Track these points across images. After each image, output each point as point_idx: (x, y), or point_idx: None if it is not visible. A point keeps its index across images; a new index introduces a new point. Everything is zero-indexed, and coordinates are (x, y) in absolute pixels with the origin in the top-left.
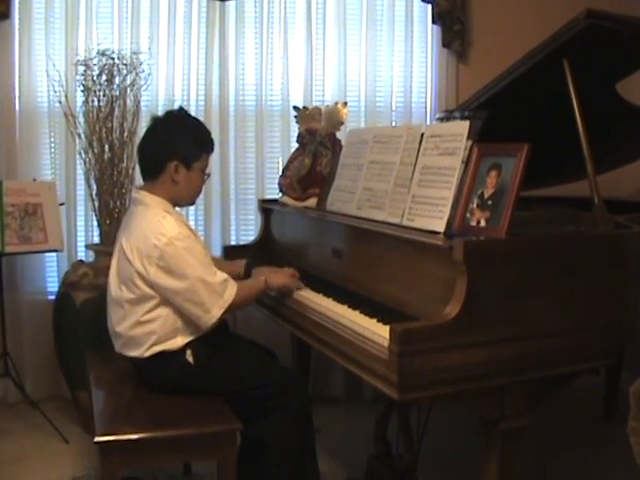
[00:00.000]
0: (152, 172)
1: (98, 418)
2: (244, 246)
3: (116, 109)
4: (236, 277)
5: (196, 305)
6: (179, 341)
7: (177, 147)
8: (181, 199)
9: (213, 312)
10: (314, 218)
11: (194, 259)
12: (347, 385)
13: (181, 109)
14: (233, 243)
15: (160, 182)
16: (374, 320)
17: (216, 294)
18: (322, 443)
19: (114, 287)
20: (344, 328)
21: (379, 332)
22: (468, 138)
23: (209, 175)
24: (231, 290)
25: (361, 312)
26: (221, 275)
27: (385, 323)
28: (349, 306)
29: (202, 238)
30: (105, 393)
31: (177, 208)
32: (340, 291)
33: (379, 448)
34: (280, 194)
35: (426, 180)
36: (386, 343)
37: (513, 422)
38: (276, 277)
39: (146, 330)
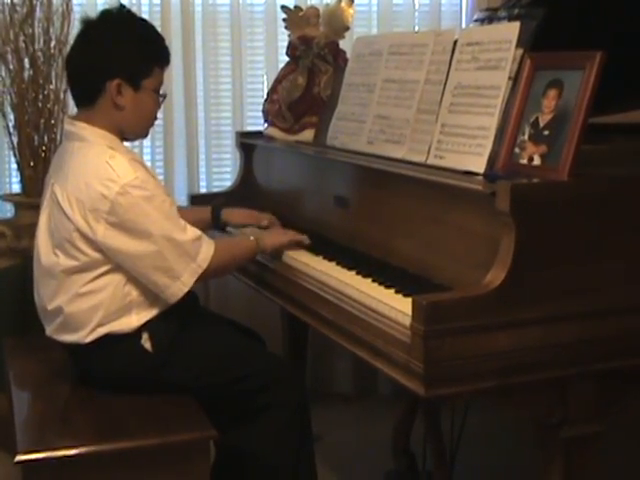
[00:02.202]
0: (87, 95)
1: (21, 429)
2: (217, 195)
3: (38, 9)
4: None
5: (161, 272)
6: (133, 320)
7: (118, 59)
8: (129, 130)
9: (183, 279)
10: (310, 156)
11: (157, 211)
12: (356, 378)
13: (122, 7)
14: (203, 191)
15: (99, 108)
16: (391, 291)
17: (187, 256)
18: (323, 455)
19: (45, 252)
20: (352, 302)
21: (398, 306)
22: (518, 46)
23: (165, 97)
24: (207, 250)
25: (374, 280)
26: (193, 231)
27: (406, 295)
28: (358, 273)
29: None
30: (31, 394)
31: (126, 143)
32: (346, 253)
33: (399, 462)
34: (265, 125)
35: (460, 104)
36: (408, 321)
37: (580, 428)
38: (269, 237)
39: (89, 304)
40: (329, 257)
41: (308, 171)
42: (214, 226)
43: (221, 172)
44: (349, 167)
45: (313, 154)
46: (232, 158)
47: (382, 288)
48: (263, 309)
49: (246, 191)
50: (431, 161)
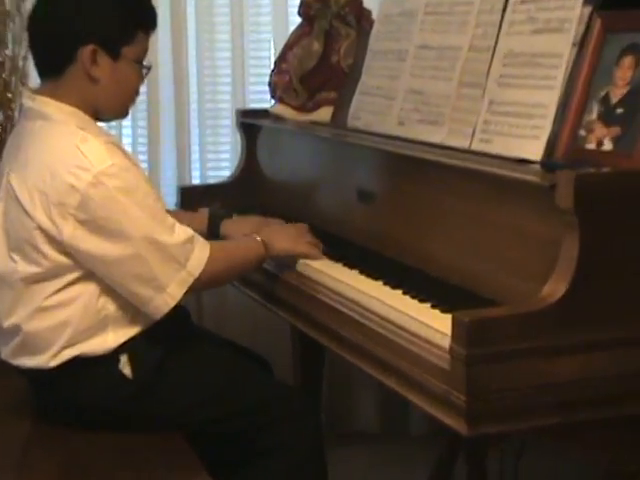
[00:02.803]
0: (54, 64)
1: None
2: (213, 187)
3: None
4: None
5: (143, 281)
6: (109, 340)
7: (94, 21)
8: (105, 107)
9: (170, 290)
10: (328, 140)
11: (138, 207)
12: (383, 413)
13: None
14: (195, 183)
15: (68, 80)
16: (427, 305)
17: (175, 262)
18: None
19: None
20: (378, 319)
21: (435, 325)
22: (585, 3)
23: (149, 68)
24: (200, 255)
25: (406, 293)
26: (183, 231)
27: (445, 310)
28: (386, 283)
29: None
30: None
31: (100, 124)
32: (371, 259)
33: None
34: (272, 101)
35: (512, 75)
36: (447, 342)
37: None
38: (281, 238)
39: (54, 321)
40: (350, 264)
41: (325, 159)
42: (209, 239)
43: (218, 159)
44: (375, 154)
45: (331, 138)
46: (231, 142)
47: (415, 302)
48: (269, 327)
49: (248, 183)
50: (476, 146)
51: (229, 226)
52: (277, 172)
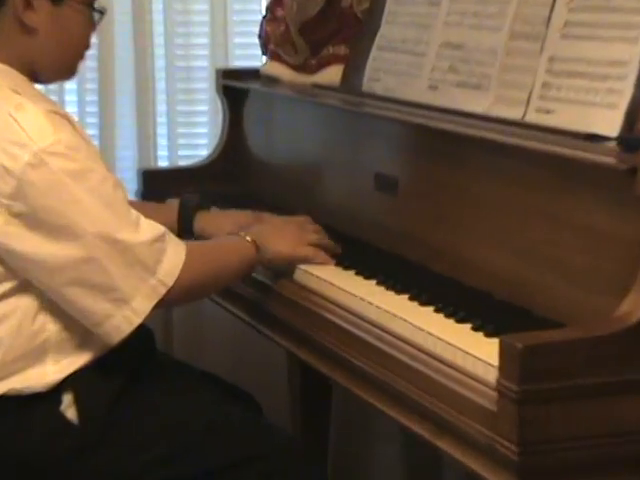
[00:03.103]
0: None
1: None
2: (185, 171)
3: None
4: None
5: (97, 292)
6: (49, 372)
7: None
8: (44, 65)
9: (135, 305)
10: (337, 110)
11: (91, 195)
12: (407, 467)
13: None
14: (163, 165)
15: None
16: (466, 326)
17: (141, 267)
18: None
19: None
20: (402, 344)
21: (476, 352)
22: None
23: (103, 13)
24: (174, 258)
25: (439, 310)
26: (151, 227)
27: (490, 333)
28: (413, 298)
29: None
30: None
31: (39, 86)
32: (393, 266)
33: None
34: (264, 59)
35: (581, 23)
36: (492, 375)
37: None
38: (277, 238)
39: None
40: (366, 273)
41: (332, 134)
42: (181, 236)
43: (192, 135)
44: (398, 128)
45: (340, 106)
46: (209, 112)
47: (451, 322)
48: (260, 356)
49: (231, 166)
50: (532, 118)
51: (206, 222)
52: (269, 152)
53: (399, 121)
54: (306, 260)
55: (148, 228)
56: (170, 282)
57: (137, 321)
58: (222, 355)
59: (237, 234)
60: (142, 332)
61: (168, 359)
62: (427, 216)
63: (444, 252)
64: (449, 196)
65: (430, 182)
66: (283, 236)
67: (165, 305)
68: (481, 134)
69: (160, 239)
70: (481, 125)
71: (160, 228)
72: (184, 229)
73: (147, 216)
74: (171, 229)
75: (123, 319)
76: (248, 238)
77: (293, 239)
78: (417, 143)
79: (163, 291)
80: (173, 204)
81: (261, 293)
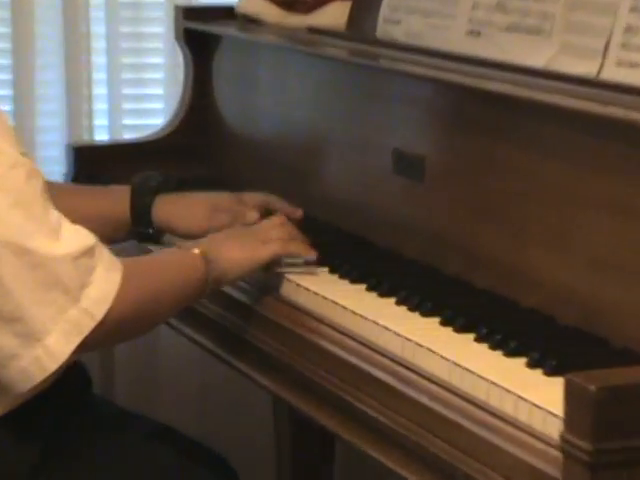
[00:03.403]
0: None
1: None
2: (133, 146)
3: None
4: (112, 234)
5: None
6: None
7: None
8: None
9: (50, 343)
10: (341, 63)
11: None
12: None
13: None
14: (101, 138)
15: None
16: (518, 361)
17: (60, 291)
18: None
19: None
20: (431, 385)
21: (532, 396)
22: None
23: None
24: (105, 280)
25: (481, 339)
26: (77, 235)
27: (551, 370)
28: (447, 322)
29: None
30: None
31: None
32: (418, 279)
33: None
34: None
35: None
36: (555, 428)
37: None
38: (231, 243)
39: None
40: (382, 288)
41: (335, 96)
42: (136, 233)
43: (141, 97)
44: (425, 87)
45: (346, 58)
46: (166, 66)
47: (498, 354)
48: (234, 402)
49: (196, 140)
50: (611, 73)
51: (171, 210)
52: (249, 121)
53: (426, 79)
54: (274, 257)
55: (73, 237)
56: (99, 314)
57: (52, 366)
58: (183, 401)
59: (180, 246)
60: (73, 371)
61: (109, 408)
62: (464, 210)
63: (488, 260)
64: (495, 183)
65: (469, 163)
66: (239, 240)
67: (91, 347)
68: (541, 97)
69: (88, 253)
70: (541, 84)
71: (89, 238)
72: (139, 222)
73: (83, 206)
74: (120, 224)
75: (33, 361)
76: (195, 250)
77: (252, 241)
78: (451, 109)
79: (89, 326)
80: (122, 188)
81: (235, 314)
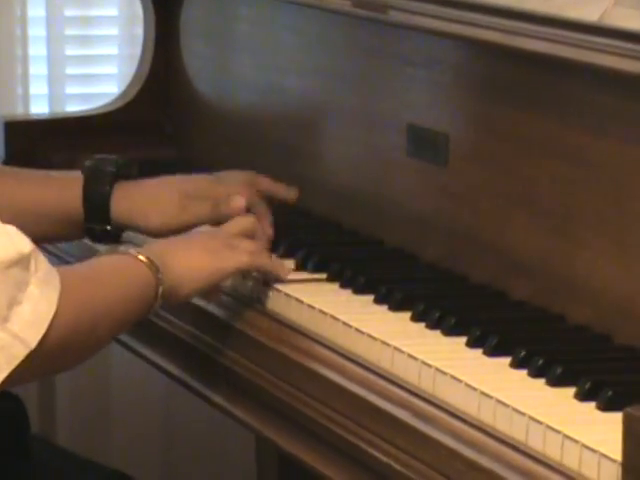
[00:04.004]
0: None
1: None
2: (77, 122)
3: None
4: (60, 232)
5: None
6: None
7: None
8: None
9: None
10: (343, 17)
11: None
12: None
13: None
14: (38, 111)
15: None
16: (566, 391)
17: None
18: None
19: None
20: (450, 421)
21: (581, 435)
22: None
23: None
24: (41, 297)
25: (520, 363)
26: (8, 239)
27: (606, 403)
28: (475, 342)
29: None
30: None
31: None
32: (439, 289)
33: None
34: None
35: None
36: (611, 476)
37: None
38: (187, 248)
39: None
40: (395, 300)
41: (335, 59)
42: (90, 231)
43: (90, 59)
44: (448, 47)
45: (349, 11)
46: (121, 19)
47: (540, 382)
48: (206, 443)
49: (160, 113)
50: None
51: (133, 199)
52: (227, 90)
53: (450, 36)
54: (241, 271)
55: (3, 240)
56: (33, 339)
57: None
58: (142, 443)
59: (119, 250)
60: (6, 405)
61: (50, 451)
62: (497, 202)
63: (526, 265)
64: (536, 168)
65: (503, 143)
66: (199, 244)
67: (26, 379)
68: (595, 58)
69: (21, 263)
70: (595, 43)
71: (23, 244)
72: (94, 217)
73: (23, 196)
74: (71, 219)
75: None
76: (141, 256)
77: (217, 247)
78: (481, 74)
79: (21, 354)
80: (71, 174)
81: (208, 332)
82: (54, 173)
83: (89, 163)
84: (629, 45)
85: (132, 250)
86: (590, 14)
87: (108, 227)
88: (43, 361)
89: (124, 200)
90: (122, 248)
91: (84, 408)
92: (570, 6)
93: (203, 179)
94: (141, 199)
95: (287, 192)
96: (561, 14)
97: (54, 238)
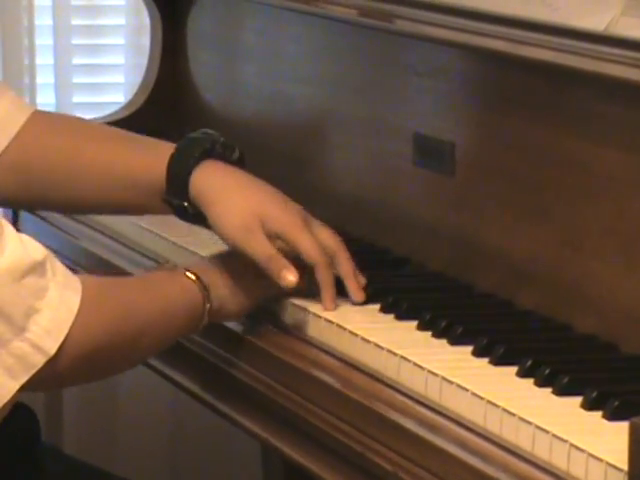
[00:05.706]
0: None
1: None
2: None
3: None
4: (144, 201)
5: None
6: None
7: None
8: None
9: None
10: (349, 25)
11: None
12: None
13: None
14: (45, 102)
15: None
16: (572, 400)
17: (0, 319)
18: None
19: None
20: (457, 430)
21: (587, 445)
22: None
23: None
24: (59, 306)
25: (526, 373)
26: (22, 246)
27: (613, 412)
28: (482, 352)
29: None
30: None
31: None
32: (443, 297)
33: None
34: None
35: None
36: None
37: None
38: (238, 270)
39: None
40: (400, 308)
41: (341, 66)
42: (171, 205)
43: (97, 68)
44: (457, 55)
45: (355, 19)
46: (128, 28)
47: (547, 392)
48: (214, 454)
49: (167, 121)
50: None
51: (211, 187)
52: (234, 99)
53: (457, 45)
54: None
55: (17, 248)
56: (52, 348)
57: None
58: (151, 451)
59: (167, 266)
60: (17, 414)
61: (59, 459)
62: (505, 212)
63: (534, 274)
64: (545, 177)
65: (511, 152)
66: (246, 266)
67: (45, 387)
68: (602, 69)
69: (37, 269)
70: (602, 52)
71: (37, 251)
72: (173, 190)
73: (115, 160)
74: (154, 189)
75: None
76: (189, 274)
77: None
78: (488, 83)
79: (39, 363)
80: (168, 144)
81: (221, 345)
82: (154, 141)
83: (191, 135)
84: (636, 54)
85: (181, 267)
86: (597, 24)
87: (185, 204)
88: (63, 371)
89: (203, 181)
90: (170, 265)
91: (91, 417)
92: (576, 15)
93: (296, 215)
94: (220, 189)
95: (354, 294)
96: (567, 23)
97: (139, 209)
